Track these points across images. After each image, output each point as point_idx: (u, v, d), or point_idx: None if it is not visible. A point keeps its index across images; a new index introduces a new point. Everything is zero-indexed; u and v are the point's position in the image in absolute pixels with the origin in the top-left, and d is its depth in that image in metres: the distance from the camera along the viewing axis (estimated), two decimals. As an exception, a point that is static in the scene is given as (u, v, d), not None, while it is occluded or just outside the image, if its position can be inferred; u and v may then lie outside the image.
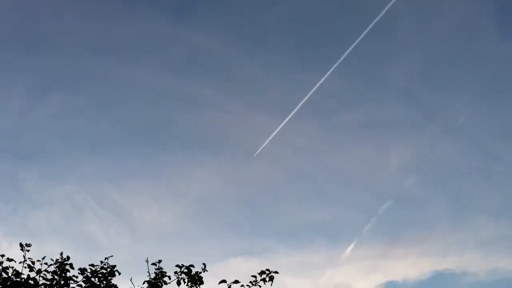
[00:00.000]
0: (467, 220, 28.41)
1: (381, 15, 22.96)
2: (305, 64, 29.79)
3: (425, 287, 26.34)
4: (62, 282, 7.54)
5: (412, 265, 27.19)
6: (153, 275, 7.87)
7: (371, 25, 22.84)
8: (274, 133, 23.79)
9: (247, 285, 7.81)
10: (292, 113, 23.72)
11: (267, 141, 23.90)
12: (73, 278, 7.64)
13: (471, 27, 28.37)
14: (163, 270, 7.90)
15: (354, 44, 23.20)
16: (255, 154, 24.45)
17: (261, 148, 23.70)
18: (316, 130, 30.67)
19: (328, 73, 23.26)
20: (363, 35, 23.03)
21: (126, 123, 29.75)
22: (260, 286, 7.84)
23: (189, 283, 7.83)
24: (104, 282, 7.68)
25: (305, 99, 23.51)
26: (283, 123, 23.81)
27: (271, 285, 7.86)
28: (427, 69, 29.56)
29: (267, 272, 7.85)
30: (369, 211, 28.01)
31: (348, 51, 23.19)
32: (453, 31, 28.62)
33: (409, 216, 29.24)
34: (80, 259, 8.32)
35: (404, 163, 29.68)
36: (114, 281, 7.83)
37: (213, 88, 30.23)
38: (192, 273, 7.85)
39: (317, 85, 23.39)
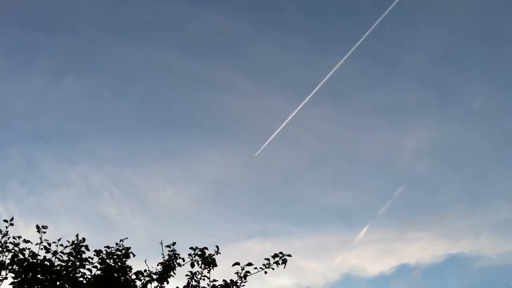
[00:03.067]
0: (481, 203, 28.21)
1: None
2: (322, 47, 29.52)
3: (439, 271, 26.32)
4: (78, 263, 7.64)
5: (426, 248, 27.15)
6: (167, 257, 7.96)
7: (390, 7, 22.51)
8: (289, 118, 23.68)
9: (260, 268, 7.88)
10: (309, 97, 23.56)
11: (280, 128, 23.81)
12: (89, 259, 7.74)
13: (491, 9, 27.86)
14: (177, 252, 8.00)
15: (373, 26, 22.92)
16: (256, 154, 24.38)
17: (266, 143, 23.56)
18: (333, 113, 30.51)
19: (346, 56, 23.02)
20: (381, 17, 22.73)
21: (142, 105, 29.83)
22: (273, 269, 7.90)
23: (203, 265, 7.91)
24: (119, 264, 7.77)
25: (322, 82, 23.33)
26: (299, 107, 23.69)
27: (284, 268, 7.92)
28: (446, 52, 29.14)
29: (280, 255, 7.90)
30: (384, 195, 27.97)
31: (367, 33, 22.92)
32: (473, 13, 28.10)
33: (424, 199, 29.13)
34: (96, 240, 8.43)
35: (420, 146, 29.48)
36: (128, 262, 7.92)
37: (229, 69, 30.12)
38: (205, 256, 7.93)
39: (335, 68, 23.18)
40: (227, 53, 30.17)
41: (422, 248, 27.20)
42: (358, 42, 22.97)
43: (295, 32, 29.48)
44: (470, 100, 28.86)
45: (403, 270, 26.25)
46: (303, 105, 24.00)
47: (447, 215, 27.91)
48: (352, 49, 23.03)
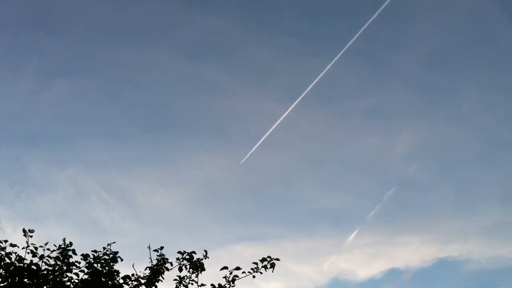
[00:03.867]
0: (470, 207, 28.42)
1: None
2: (313, 48, 29.62)
3: (428, 274, 26.43)
4: (65, 267, 7.60)
5: (415, 252, 27.26)
6: (155, 262, 7.94)
7: (379, 10, 22.61)
8: (280, 120, 23.70)
9: (249, 272, 7.87)
10: (299, 99, 23.58)
11: (269, 132, 23.81)
12: (76, 263, 7.70)
13: (480, 13, 28.06)
14: (165, 257, 7.97)
15: (363, 28, 23.01)
16: (241, 161, 24.33)
17: (253, 149, 23.52)
18: (323, 116, 30.61)
19: (335, 59, 23.08)
20: (371, 20, 22.83)
21: (133, 107, 29.75)
22: (261, 273, 7.90)
23: (191, 270, 7.89)
24: (107, 268, 7.73)
25: (311, 85, 23.36)
26: (289, 109, 23.72)
27: (273, 272, 7.92)
28: (435, 55, 29.36)
29: (268, 259, 7.90)
30: (373, 198, 28.09)
31: (357, 36, 23.00)
32: (462, 17, 28.34)
33: (413, 203, 29.28)
34: (85, 244, 8.38)
35: (409, 150, 29.66)
36: (116, 267, 7.89)
37: (221, 71, 30.12)
38: (193, 260, 7.91)
39: (325, 70, 23.22)
40: (219, 54, 30.20)
41: (412, 252, 27.32)
42: (348, 44, 23.05)
43: (287, 33, 29.59)
44: (459, 102, 29.11)
45: (393, 274, 26.36)
46: (294, 108, 24.04)
47: (437, 219, 28.07)
48: (342, 51, 23.11)
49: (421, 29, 28.64)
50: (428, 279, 26.42)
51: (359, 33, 22.89)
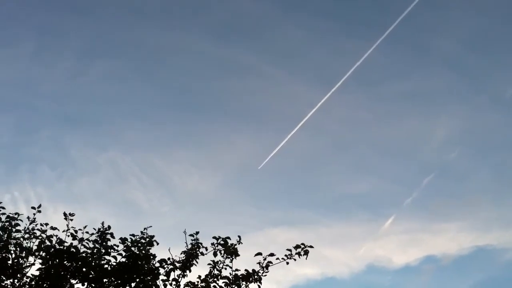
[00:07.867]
0: (511, 194, 27.64)
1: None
2: (352, 32, 29.11)
3: (465, 263, 25.99)
4: (103, 251, 7.79)
5: (452, 239, 26.82)
6: (190, 246, 8.05)
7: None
8: (318, 105, 23.44)
9: (282, 258, 7.91)
10: (338, 84, 23.25)
11: (309, 114, 23.62)
12: (114, 247, 7.88)
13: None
14: (200, 241, 8.08)
15: (405, 13, 22.44)
16: (259, 167, 24.05)
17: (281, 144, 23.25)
18: (361, 101, 30.15)
19: (377, 43, 22.59)
20: (413, 4, 22.24)
21: (170, 90, 29.92)
22: (295, 260, 7.93)
23: (225, 255, 7.98)
24: (143, 252, 7.89)
25: (352, 69, 22.97)
26: (328, 95, 23.42)
27: (306, 259, 7.94)
28: (477, 39, 28.49)
29: (302, 246, 7.92)
30: (411, 184, 27.69)
31: (398, 20, 22.45)
32: (504, 0, 27.36)
33: (452, 189, 28.73)
34: (123, 225, 8.57)
35: (450, 135, 29.00)
36: (154, 249, 8.06)
37: (257, 54, 29.89)
38: (228, 245, 7.99)
39: (365, 55, 22.78)
40: (255, 37, 30.05)
41: (449, 240, 26.91)
42: (390, 28, 22.52)
43: (324, 17, 29.13)
44: (502, 87, 28.22)
45: (429, 261, 26.04)
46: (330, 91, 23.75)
47: (476, 206, 27.48)
48: (384, 35, 22.60)
49: (463, 13, 27.81)
50: (465, 267, 26.01)
51: (401, 17, 22.33)
